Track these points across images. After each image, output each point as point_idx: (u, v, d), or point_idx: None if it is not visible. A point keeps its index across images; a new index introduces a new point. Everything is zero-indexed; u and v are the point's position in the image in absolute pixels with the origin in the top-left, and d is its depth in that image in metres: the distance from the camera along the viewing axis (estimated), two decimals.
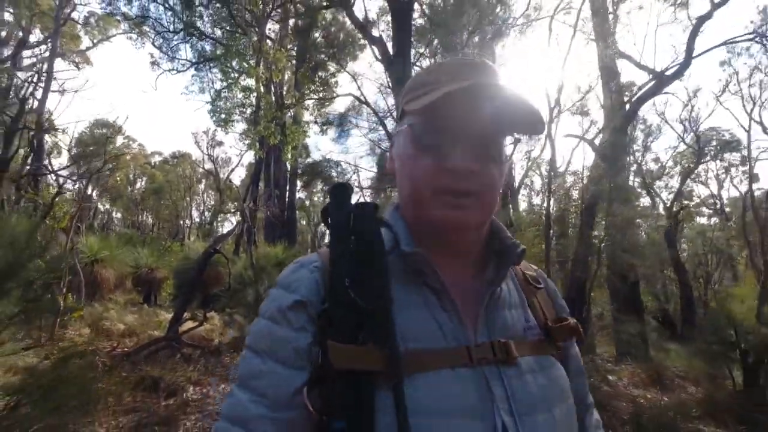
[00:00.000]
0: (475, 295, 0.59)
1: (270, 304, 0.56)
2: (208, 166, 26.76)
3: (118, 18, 15.13)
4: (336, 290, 0.50)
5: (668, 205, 14.65)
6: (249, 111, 11.17)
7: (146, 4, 14.17)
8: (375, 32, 8.38)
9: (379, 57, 6.75)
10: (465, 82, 0.53)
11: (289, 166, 13.12)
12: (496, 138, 0.57)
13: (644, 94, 6.27)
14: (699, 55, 5.65)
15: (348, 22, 10.62)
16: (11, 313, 2.22)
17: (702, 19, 5.66)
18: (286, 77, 14.78)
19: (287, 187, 15.43)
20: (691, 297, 12.70)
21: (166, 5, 13.62)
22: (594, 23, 8.47)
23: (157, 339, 5.17)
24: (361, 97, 11.00)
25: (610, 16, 8.40)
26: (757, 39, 7.54)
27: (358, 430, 0.45)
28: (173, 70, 14.76)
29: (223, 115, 11.09)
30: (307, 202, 24.83)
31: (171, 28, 14.02)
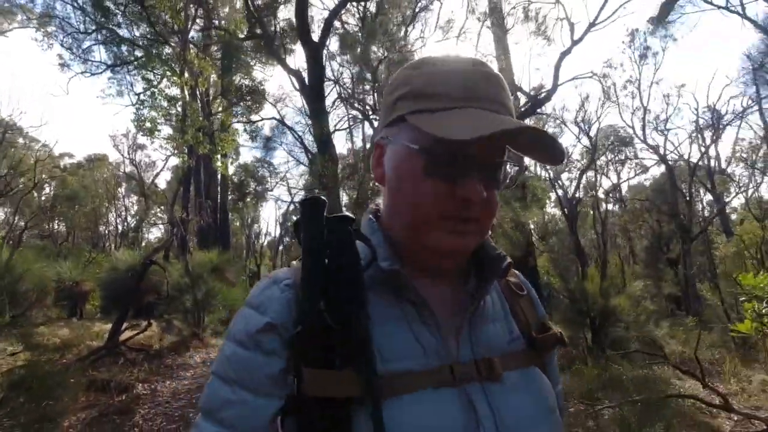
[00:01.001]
0: (457, 308, 0.57)
1: (238, 326, 0.52)
2: (129, 169, 25.58)
3: (14, 10, 14.30)
4: (309, 312, 0.48)
5: (570, 197, 16.94)
6: (175, 119, 11.31)
7: (51, 2, 13.55)
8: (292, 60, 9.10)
9: (297, 87, 7.55)
10: (484, 110, 0.52)
11: (220, 173, 13.39)
12: (501, 163, 0.55)
13: (522, 113, 7.71)
14: (562, 83, 7.19)
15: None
16: None
17: (564, 54, 7.19)
18: (213, 79, 14.87)
19: (218, 192, 15.58)
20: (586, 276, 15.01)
21: (75, 4, 13.09)
22: (495, 47, 9.94)
23: (102, 347, 5.63)
24: (284, 120, 11.73)
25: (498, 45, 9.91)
26: (594, 77, 9.85)
27: None
28: (86, 72, 14.18)
29: (148, 124, 11.15)
30: (240, 203, 24.68)
31: (81, 28, 13.49)
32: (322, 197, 0.56)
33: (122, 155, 22.23)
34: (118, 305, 8.31)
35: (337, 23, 9.56)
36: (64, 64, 14.42)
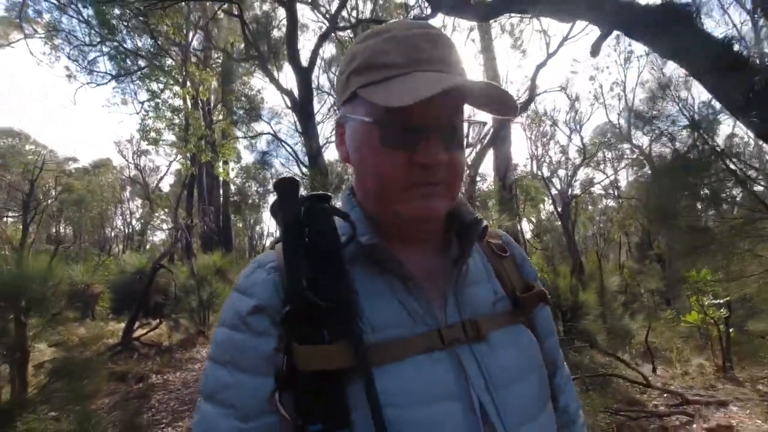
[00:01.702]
0: (441, 275, 0.59)
1: (229, 310, 0.55)
2: (133, 173, 26.32)
3: (23, 24, 14.95)
4: (294, 291, 0.49)
5: (563, 194, 17.48)
6: (178, 129, 11.95)
7: (58, 17, 14.19)
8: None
9: (290, 105, 8.19)
10: (429, 71, 0.52)
11: (222, 179, 14.07)
12: (460, 123, 0.56)
13: (502, 120, 8.33)
14: (539, 94, 7.76)
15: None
16: None
17: (539, 66, 7.75)
18: (214, 85, 15.52)
19: (221, 195, 16.24)
20: (582, 272, 15.57)
21: (80, 18, 13.72)
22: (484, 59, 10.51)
23: (118, 343, 6.30)
24: (279, 135, 12.47)
25: (480, 56, 10.49)
26: (562, 90, 10.55)
27: (334, 430, 0.45)
28: (92, 83, 14.86)
29: (153, 134, 11.82)
30: (243, 205, 25.38)
31: (87, 40, 14.14)
32: (295, 178, 0.57)
33: (127, 160, 22.88)
34: (128, 306, 9.00)
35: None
36: (70, 75, 15.12)
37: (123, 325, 7.55)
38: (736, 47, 2.54)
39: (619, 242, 17.94)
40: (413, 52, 0.53)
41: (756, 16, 2.61)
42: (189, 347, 7.34)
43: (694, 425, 3.22)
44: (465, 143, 0.57)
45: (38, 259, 3.84)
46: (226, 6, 7.96)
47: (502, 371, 0.55)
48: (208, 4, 8.72)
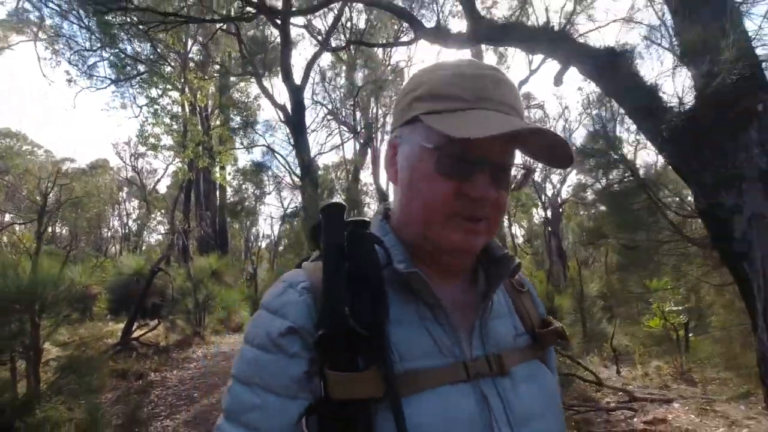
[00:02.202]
0: (468, 307, 0.60)
1: (258, 330, 0.54)
2: (130, 174, 26.61)
3: (24, 29, 15.27)
4: (333, 317, 0.50)
5: (553, 200, 17.92)
6: (176, 135, 12.32)
7: (59, 22, 14.54)
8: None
9: (283, 119, 8.60)
10: (495, 111, 0.54)
11: (218, 183, 14.47)
12: (511, 164, 0.58)
13: None
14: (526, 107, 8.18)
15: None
16: None
17: (522, 83, 8.19)
18: (211, 90, 15.89)
19: (218, 198, 16.60)
20: (565, 277, 16.04)
21: (81, 24, 14.07)
22: None
23: (118, 343, 6.69)
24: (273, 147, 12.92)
25: None
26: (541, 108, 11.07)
27: None
28: (92, 87, 15.19)
29: (152, 140, 12.20)
30: (239, 207, 25.67)
31: (87, 45, 14.47)
32: (343, 203, 0.58)
33: (124, 162, 23.20)
34: (125, 307, 9.36)
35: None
36: (71, 79, 15.45)
37: (121, 325, 7.91)
38: (660, 93, 2.98)
39: (606, 248, 18.35)
40: (480, 91, 0.55)
41: (679, 64, 3.06)
42: (185, 347, 7.73)
43: (635, 419, 3.65)
44: (511, 186, 0.59)
45: (50, 264, 4.23)
46: (224, 26, 8.34)
47: (523, 407, 0.55)
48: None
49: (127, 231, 27.09)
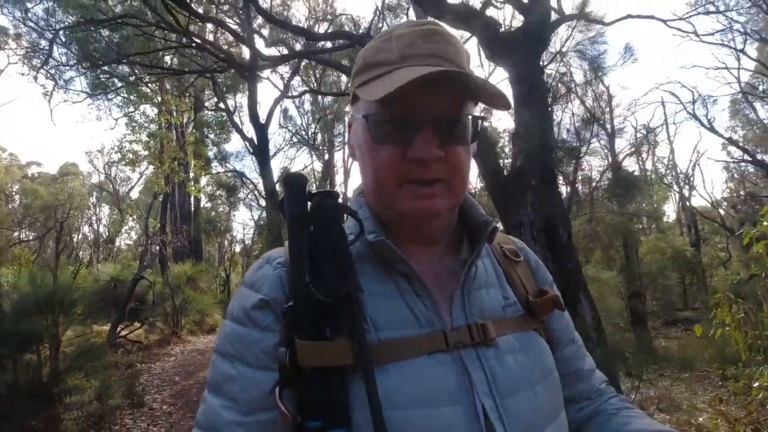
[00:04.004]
0: (450, 276, 0.59)
1: (235, 304, 0.57)
2: (101, 179, 27.25)
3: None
4: (298, 286, 0.50)
5: None
6: (153, 151, 13.46)
7: (36, 38, 15.45)
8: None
9: (251, 149, 10.02)
10: (420, 65, 0.52)
11: (192, 196, 15.67)
12: (460, 118, 0.55)
13: None
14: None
15: None
16: None
17: None
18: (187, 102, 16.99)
19: (191, 206, 17.75)
20: None
21: (58, 41, 15.00)
22: None
23: (107, 340, 7.97)
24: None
25: None
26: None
27: (333, 428, 0.46)
28: (68, 101, 16.10)
29: (130, 155, 13.36)
30: (213, 213, 26.59)
31: (63, 60, 15.40)
32: (303, 174, 0.58)
33: (98, 170, 23.98)
34: (104, 311, 10.53)
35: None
36: (47, 93, 16.33)
37: (104, 327, 9.13)
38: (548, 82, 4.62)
39: None
40: (406, 48, 0.54)
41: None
42: (165, 345, 9.04)
43: None
44: (469, 138, 0.56)
45: (65, 275, 5.52)
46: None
47: (509, 378, 0.54)
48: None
49: (98, 237, 27.59)
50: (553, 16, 5.79)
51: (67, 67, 15.68)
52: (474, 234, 0.63)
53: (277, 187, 9.98)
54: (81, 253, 28.22)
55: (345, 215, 0.58)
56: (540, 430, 0.55)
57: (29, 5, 10.49)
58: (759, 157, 15.35)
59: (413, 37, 0.55)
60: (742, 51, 11.89)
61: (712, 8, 10.02)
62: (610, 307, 7.33)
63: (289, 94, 9.86)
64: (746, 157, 13.37)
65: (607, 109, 12.73)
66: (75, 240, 30.46)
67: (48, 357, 5.22)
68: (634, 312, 7.69)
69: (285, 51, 8.67)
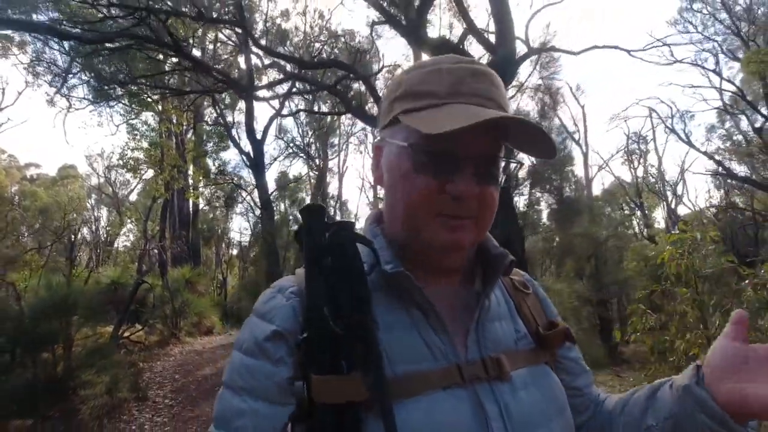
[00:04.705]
0: (464, 309, 0.60)
1: (246, 335, 0.56)
2: (100, 181, 27.80)
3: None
4: (313, 318, 0.50)
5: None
6: (153, 159, 14.06)
7: (41, 47, 16.04)
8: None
9: (247, 163, 10.68)
10: (468, 104, 0.54)
11: (192, 202, 16.31)
12: (496, 158, 0.57)
13: None
14: None
15: None
16: None
17: None
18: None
19: (190, 213, 18.37)
20: None
21: (62, 50, 15.59)
22: None
23: (110, 341, 8.57)
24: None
25: None
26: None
27: None
28: (71, 108, 16.69)
29: (131, 162, 13.97)
30: (210, 215, 27.16)
31: (66, 67, 15.98)
32: (322, 205, 0.59)
33: (97, 174, 24.57)
34: (105, 313, 11.14)
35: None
36: (50, 100, 16.92)
37: (107, 329, 9.71)
38: None
39: None
40: (456, 84, 0.56)
41: None
42: (164, 346, 9.66)
43: None
44: (501, 180, 0.58)
45: (78, 278, 6.12)
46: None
47: (523, 413, 0.54)
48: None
49: (98, 240, 28.11)
50: (524, 48, 6.45)
51: (74, 77, 16.30)
52: (488, 265, 0.63)
53: (290, 210, 10.60)
54: (80, 255, 28.77)
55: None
56: None
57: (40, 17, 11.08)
58: (744, 167, 16.07)
59: (463, 73, 0.57)
60: (714, 71, 12.59)
61: (672, 39, 10.72)
62: (563, 314, 7.92)
63: (284, 112, 10.55)
64: (721, 169, 14.05)
65: (581, 128, 13.49)
66: (73, 241, 30.94)
67: (62, 356, 5.84)
68: (602, 318, 8.30)
69: (282, 66, 9.33)
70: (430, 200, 0.55)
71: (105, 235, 28.90)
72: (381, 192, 0.65)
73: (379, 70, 9.80)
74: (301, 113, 12.90)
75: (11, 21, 7.03)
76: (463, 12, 5.95)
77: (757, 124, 12.47)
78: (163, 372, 7.46)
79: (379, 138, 0.64)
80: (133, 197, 28.16)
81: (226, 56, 13.34)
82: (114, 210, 26.15)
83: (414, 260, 0.59)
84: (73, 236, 8.36)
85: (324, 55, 10.44)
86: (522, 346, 0.62)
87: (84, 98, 16.19)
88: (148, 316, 10.65)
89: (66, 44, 13.66)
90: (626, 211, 23.65)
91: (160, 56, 8.48)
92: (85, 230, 31.32)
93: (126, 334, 9.28)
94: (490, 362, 0.56)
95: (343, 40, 12.17)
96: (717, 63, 12.28)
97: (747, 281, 3.13)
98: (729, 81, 12.55)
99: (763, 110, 12.18)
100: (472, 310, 0.59)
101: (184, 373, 7.42)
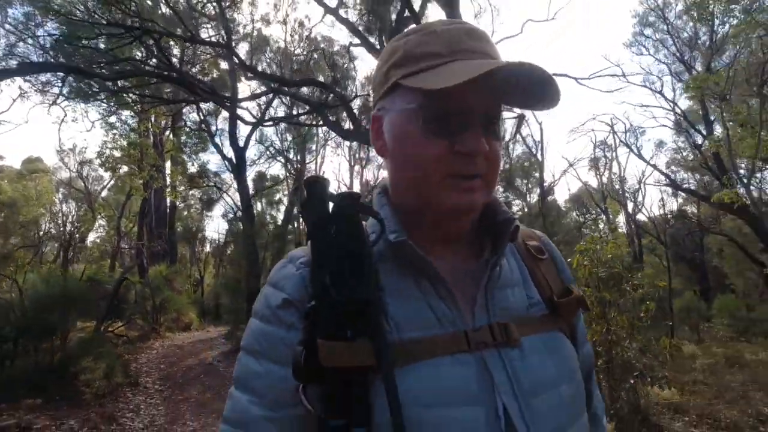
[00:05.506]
0: (472, 276, 0.60)
1: (260, 303, 0.59)
2: (66, 175, 27.50)
3: None
4: (320, 287, 0.52)
5: None
6: (132, 159, 14.43)
7: (13, 43, 16.12)
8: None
9: (229, 168, 11.35)
10: (473, 59, 0.55)
11: (169, 200, 16.72)
12: (500, 114, 0.58)
13: None
14: None
15: None
16: None
17: None
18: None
19: (167, 211, 18.73)
20: None
21: (37, 45, 15.72)
22: None
23: (94, 335, 9.14)
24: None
25: None
26: None
27: (355, 427, 0.48)
28: (44, 103, 16.78)
29: (110, 162, 14.33)
30: (185, 212, 27.24)
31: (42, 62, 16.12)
32: (326, 177, 0.59)
33: (69, 170, 24.45)
34: (95, 309, 11.61)
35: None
36: (23, 94, 16.97)
37: (86, 324, 10.20)
38: None
39: None
40: (455, 44, 0.56)
41: None
42: (145, 340, 10.25)
43: None
44: (501, 134, 0.59)
45: (73, 275, 6.74)
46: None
47: (532, 378, 0.55)
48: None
49: (72, 235, 27.74)
50: None
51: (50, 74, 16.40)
52: (496, 233, 0.63)
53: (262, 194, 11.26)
54: (47, 250, 28.34)
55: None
56: (565, 430, 0.56)
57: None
58: (693, 177, 17.65)
59: (458, 33, 0.57)
60: (660, 92, 13.99)
61: (619, 71, 11.96)
62: None
63: (265, 122, 11.27)
64: (667, 180, 15.52)
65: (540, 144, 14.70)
66: (39, 235, 30.41)
67: (59, 346, 6.48)
68: None
69: (266, 77, 10.07)
70: (440, 160, 0.55)
71: (74, 231, 28.53)
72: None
73: (355, 96, 10.59)
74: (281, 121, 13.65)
75: (35, 65, 7.53)
76: None
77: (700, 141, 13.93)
78: (148, 363, 8.11)
79: (378, 108, 0.63)
80: (104, 193, 27.99)
81: (206, 56, 13.84)
82: (83, 205, 25.89)
83: (421, 228, 0.60)
84: (68, 234, 8.81)
85: (304, 66, 11.20)
86: (534, 313, 0.62)
87: (60, 94, 16.38)
88: (131, 312, 11.20)
89: (41, 40, 13.83)
90: (593, 215, 25.26)
91: (147, 67, 9.03)
92: (50, 225, 30.87)
93: (110, 328, 9.84)
94: (498, 328, 0.56)
95: (323, 47, 12.94)
96: (662, 85, 13.64)
97: (629, 283, 4.14)
98: (673, 102, 13.96)
99: (702, 129, 13.64)
100: (480, 278, 0.59)
101: (168, 363, 8.09)
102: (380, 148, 0.63)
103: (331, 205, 0.56)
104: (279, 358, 0.54)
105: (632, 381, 3.97)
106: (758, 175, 13.90)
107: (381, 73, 0.62)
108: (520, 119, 0.60)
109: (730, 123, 10.52)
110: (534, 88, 0.55)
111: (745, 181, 7.97)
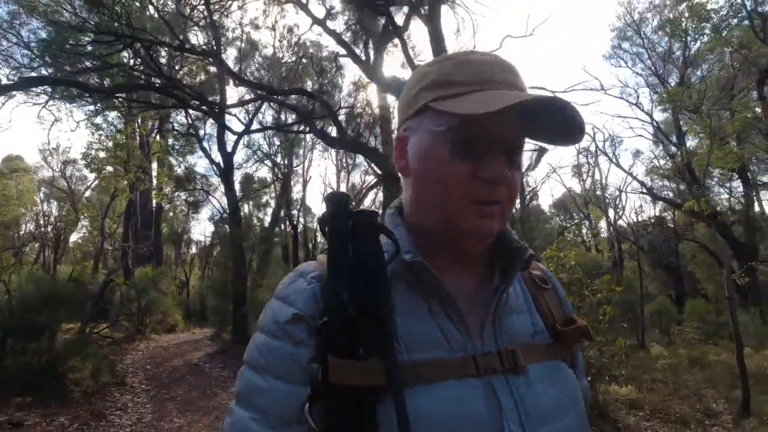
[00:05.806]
0: (481, 301, 0.61)
1: (267, 317, 0.58)
2: (48, 174, 27.18)
3: None
4: (334, 304, 0.52)
5: None
6: (119, 160, 14.49)
7: None
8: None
9: (218, 173, 11.57)
10: (501, 89, 0.56)
11: (155, 202, 16.79)
12: (522, 146, 0.59)
13: None
14: None
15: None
16: None
17: None
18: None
19: (153, 212, 18.78)
20: None
21: (20, 43, 15.65)
22: None
23: (79, 337, 9.26)
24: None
25: None
26: None
27: None
28: (28, 102, 16.69)
29: (95, 164, 14.39)
30: (171, 214, 27.14)
31: (25, 62, 16.04)
32: (346, 193, 0.60)
33: (52, 170, 24.24)
34: (82, 310, 11.68)
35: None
36: (8, 94, 16.85)
37: (69, 325, 10.28)
38: None
39: None
40: (486, 75, 0.58)
41: None
42: (131, 342, 10.38)
43: None
44: (522, 165, 0.60)
45: (61, 276, 6.89)
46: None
47: (538, 407, 0.55)
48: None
49: (57, 235, 27.37)
50: None
51: (33, 71, 16.33)
52: (507, 259, 0.64)
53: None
54: (27, 251, 27.95)
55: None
56: None
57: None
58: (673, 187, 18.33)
59: (491, 64, 0.59)
60: (636, 104, 14.60)
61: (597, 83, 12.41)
62: None
63: (252, 131, 11.52)
64: (643, 189, 16.13)
65: None
66: (18, 235, 29.93)
67: (46, 346, 6.63)
68: None
69: (253, 85, 10.31)
70: (465, 185, 0.56)
71: (56, 231, 28.14)
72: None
73: (340, 107, 10.92)
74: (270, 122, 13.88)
75: (34, 79, 7.66)
76: (408, 58, 7.21)
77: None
78: (134, 363, 8.28)
79: (404, 128, 0.64)
80: (88, 193, 27.70)
81: (195, 60, 13.99)
82: (65, 205, 25.61)
83: (434, 250, 0.61)
84: (57, 236, 8.94)
85: (293, 72, 11.46)
86: (538, 341, 0.63)
87: (43, 92, 16.28)
88: (118, 313, 11.31)
89: (25, 36, 13.74)
90: (575, 221, 25.87)
91: (137, 72, 9.20)
92: (32, 225, 30.41)
93: (95, 330, 9.96)
94: (506, 354, 0.57)
95: (311, 52, 13.23)
96: (638, 97, 14.22)
97: (589, 288, 4.52)
98: (649, 114, 14.58)
99: (674, 139, 14.26)
100: (490, 303, 0.60)
101: (154, 364, 8.27)
102: (403, 168, 0.64)
103: (350, 222, 0.57)
104: (285, 375, 0.53)
105: (589, 378, 4.33)
106: (728, 184, 14.59)
107: (410, 96, 0.63)
108: (541, 151, 0.62)
109: (700, 135, 11.09)
110: (560, 122, 0.57)
111: (707, 191, 8.44)
